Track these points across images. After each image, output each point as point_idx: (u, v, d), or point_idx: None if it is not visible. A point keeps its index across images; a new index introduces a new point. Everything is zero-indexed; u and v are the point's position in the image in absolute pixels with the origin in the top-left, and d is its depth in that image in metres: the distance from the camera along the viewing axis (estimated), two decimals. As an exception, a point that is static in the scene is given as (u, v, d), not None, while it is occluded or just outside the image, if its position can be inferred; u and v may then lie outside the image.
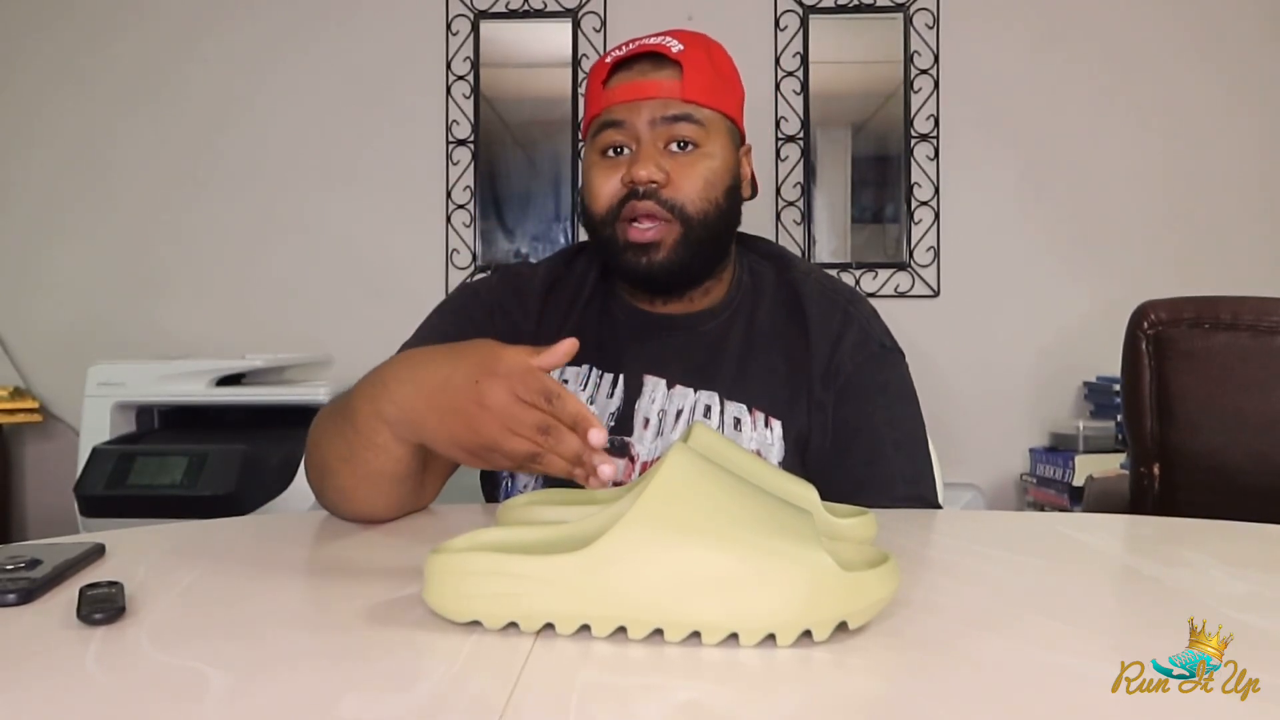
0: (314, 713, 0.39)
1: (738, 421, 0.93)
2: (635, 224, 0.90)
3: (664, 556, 0.46)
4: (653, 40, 0.92)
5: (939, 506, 0.96)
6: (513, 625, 0.48)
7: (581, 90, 2.44)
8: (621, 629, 0.47)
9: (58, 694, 0.41)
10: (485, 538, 0.51)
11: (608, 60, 0.93)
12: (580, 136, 1.01)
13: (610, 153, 0.92)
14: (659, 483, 0.48)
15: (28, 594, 0.53)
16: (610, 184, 0.91)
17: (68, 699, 0.41)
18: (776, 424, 0.93)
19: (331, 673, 0.44)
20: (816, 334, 0.95)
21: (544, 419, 0.62)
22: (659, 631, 0.47)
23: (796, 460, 0.93)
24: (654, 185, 0.88)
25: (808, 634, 0.46)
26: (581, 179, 0.97)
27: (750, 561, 0.46)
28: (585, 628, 0.47)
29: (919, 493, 0.94)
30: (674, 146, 0.90)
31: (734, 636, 0.46)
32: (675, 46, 0.90)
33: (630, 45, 0.93)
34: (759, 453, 0.92)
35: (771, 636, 0.46)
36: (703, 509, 0.48)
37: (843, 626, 0.47)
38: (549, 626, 0.48)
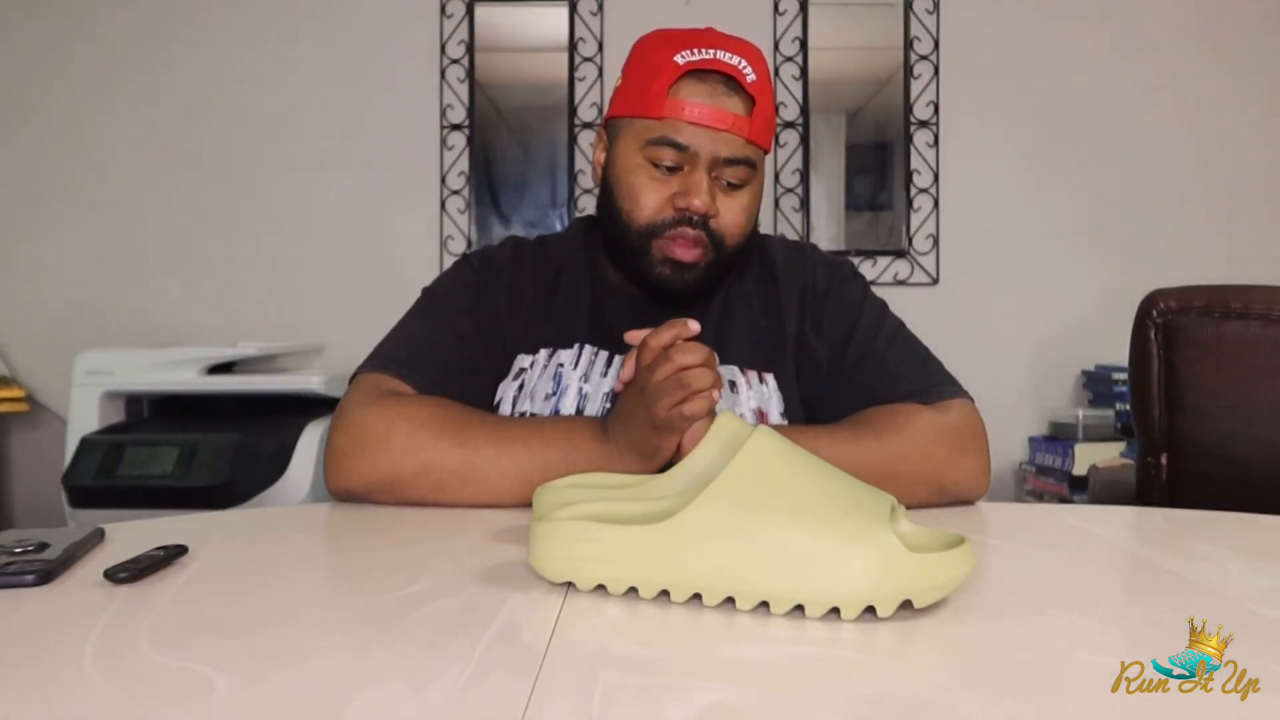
0: (323, 712, 0.38)
1: (733, 385, 0.94)
2: (680, 243, 0.91)
3: (736, 531, 0.50)
4: (730, 60, 0.88)
5: (965, 393, 0.96)
6: (600, 588, 0.53)
7: (579, 75, 2.41)
8: (697, 596, 0.51)
9: (55, 694, 0.40)
10: (584, 509, 0.55)
11: (679, 60, 0.88)
12: (609, 111, 0.96)
13: (660, 164, 0.91)
14: (736, 463, 0.52)
15: (46, 575, 0.55)
16: (658, 198, 0.91)
17: (66, 701, 0.39)
18: (770, 377, 0.96)
19: (340, 672, 0.42)
20: (784, 276, 1.00)
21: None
22: (730, 600, 0.50)
23: (796, 404, 0.95)
24: (706, 217, 0.90)
25: (871, 610, 0.49)
26: (615, 174, 0.94)
27: (818, 540, 0.49)
28: (665, 593, 0.52)
29: (934, 383, 0.93)
30: (725, 181, 0.91)
31: (800, 609, 0.49)
32: (750, 75, 0.88)
33: (704, 53, 0.88)
34: (760, 410, 0.94)
35: (836, 610, 0.49)
36: (775, 488, 0.51)
37: (908, 604, 0.49)
38: (632, 590, 0.52)
